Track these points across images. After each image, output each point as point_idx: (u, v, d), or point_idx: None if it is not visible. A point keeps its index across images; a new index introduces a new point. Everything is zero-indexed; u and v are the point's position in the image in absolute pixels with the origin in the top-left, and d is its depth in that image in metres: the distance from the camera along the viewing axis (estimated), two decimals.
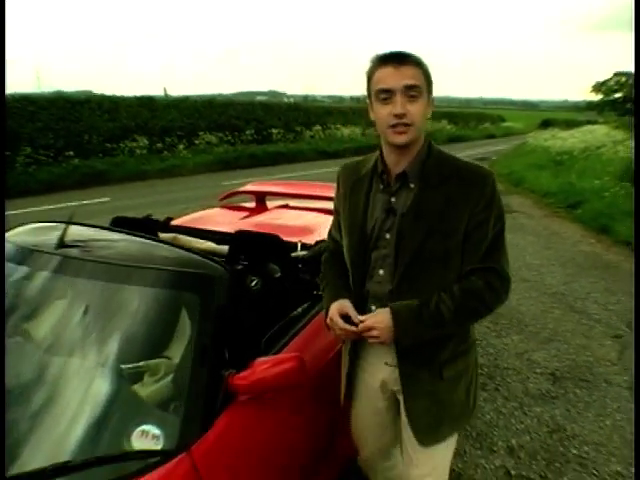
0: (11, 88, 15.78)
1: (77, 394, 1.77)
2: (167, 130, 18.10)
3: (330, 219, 2.20)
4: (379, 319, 1.75)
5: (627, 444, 3.23)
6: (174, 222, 3.51)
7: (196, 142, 18.58)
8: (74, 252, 2.04)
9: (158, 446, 1.60)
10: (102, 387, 1.78)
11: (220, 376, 1.76)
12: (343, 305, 1.85)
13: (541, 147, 21.43)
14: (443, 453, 1.98)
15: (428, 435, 1.90)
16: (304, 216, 3.93)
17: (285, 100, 34.52)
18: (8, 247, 2.18)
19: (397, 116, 1.67)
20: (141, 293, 1.96)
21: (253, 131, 20.92)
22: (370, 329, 1.75)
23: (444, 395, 1.87)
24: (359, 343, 1.95)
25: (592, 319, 5.19)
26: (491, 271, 1.76)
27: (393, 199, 1.80)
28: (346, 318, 1.82)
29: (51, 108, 15.49)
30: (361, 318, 1.78)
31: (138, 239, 2.21)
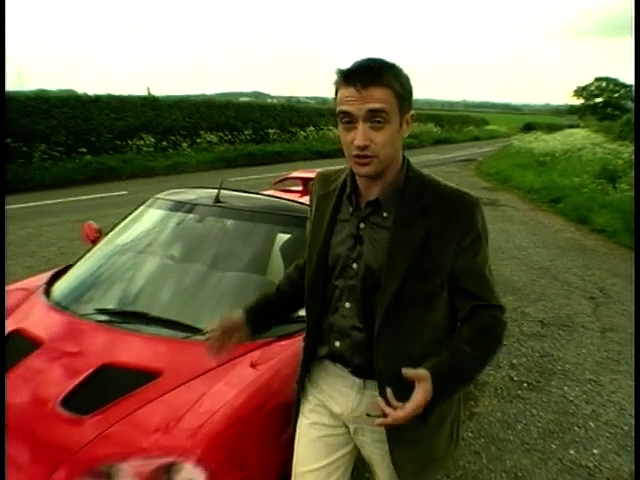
0: None
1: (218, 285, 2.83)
2: (171, 129, 19.00)
3: None
4: (421, 400, 1.44)
5: (597, 364, 4.32)
6: None
7: (198, 141, 19.53)
8: (226, 204, 3.06)
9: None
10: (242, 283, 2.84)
11: None
12: (236, 323, 1.87)
13: (525, 149, 22.64)
14: None
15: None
16: None
17: (269, 101, 35.10)
18: (168, 204, 3.19)
19: (358, 147, 1.45)
20: (268, 229, 3.02)
21: (251, 131, 21.87)
22: (415, 409, 1.43)
23: (428, 440, 1.69)
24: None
25: (572, 286, 6.34)
26: (494, 306, 1.61)
27: (362, 225, 1.59)
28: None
29: (64, 107, 16.26)
30: (394, 405, 1.44)
31: (262, 196, 3.25)
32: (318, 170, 1.88)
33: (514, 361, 4.33)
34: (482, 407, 3.63)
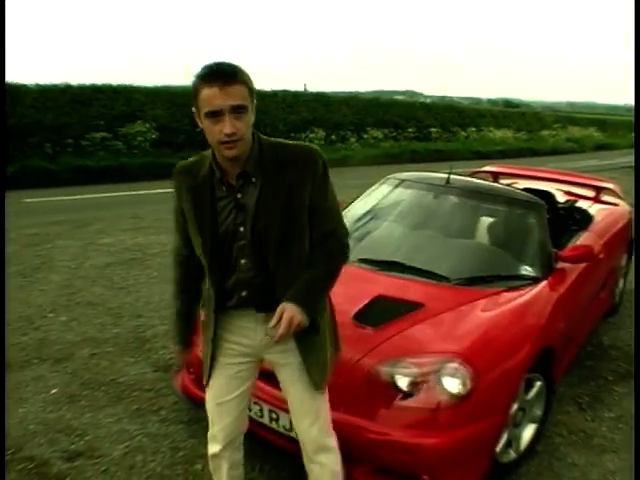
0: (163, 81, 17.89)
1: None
2: (340, 124, 20.07)
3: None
4: (289, 312, 1.87)
5: None
6: None
7: (365, 136, 20.48)
8: (455, 185, 3.78)
9: (532, 274, 3.27)
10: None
11: (552, 252, 3.41)
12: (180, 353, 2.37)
13: None
14: (323, 398, 2.17)
15: (322, 378, 2.11)
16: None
17: (422, 100, 35.21)
18: (415, 185, 3.95)
19: (228, 135, 1.75)
20: (495, 210, 3.70)
21: (414, 129, 22.50)
22: (289, 321, 1.86)
23: (322, 344, 2.10)
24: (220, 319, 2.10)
25: None
26: (340, 234, 2.05)
27: (239, 195, 1.91)
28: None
29: None
30: (272, 324, 1.87)
31: (487, 183, 3.94)
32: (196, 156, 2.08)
33: None
34: None
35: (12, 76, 13.29)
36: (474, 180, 4.05)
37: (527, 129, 28.70)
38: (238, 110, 1.76)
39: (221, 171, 1.91)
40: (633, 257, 5.37)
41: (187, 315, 2.25)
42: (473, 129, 25.53)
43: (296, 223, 1.95)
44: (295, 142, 2.04)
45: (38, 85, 13.85)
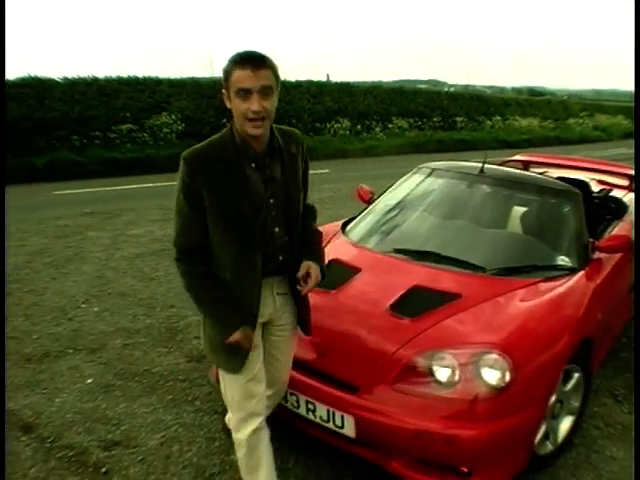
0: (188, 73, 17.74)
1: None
2: (364, 114, 19.94)
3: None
4: (315, 270, 2.27)
5: None
6: None
7: (390, 126, 20.32)
8: (488, 174, 3.73)
9: (569, 264, 3.22)
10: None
11: (589, 242, 3.35)
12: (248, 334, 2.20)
13: None
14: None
15: (310, 324, 2.48)
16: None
17: (446, 89, 34.81)
18: (448, 174, 3.90)
19: (255, 112, 1.97)
20: (530, 200, 3.65)
21: (439, 118, 22.30)
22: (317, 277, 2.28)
23: (306, 298, 2.43)
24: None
25: None
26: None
27: (267, 172, 2.16)
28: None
29: None
30: (301, 274, 2.26)
31: (521, 172, 3.88)
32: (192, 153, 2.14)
33: None
34: None
35: (40, 70, 13.44)
36: (509, 169, 3.99)
37: (553, 117, 28.22)
38: (265, 91, 1.98)
39: (250, 149, 2.12)
40: None
41: (230, 297, 2.23)
42: (498, 118, 25.22)
43: (303, 192, 2.33)
44: (285, 127, 2.30)
45: (65, 78, 13.95)
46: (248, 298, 2.20)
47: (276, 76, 2.04)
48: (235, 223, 2.11)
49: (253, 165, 2.13)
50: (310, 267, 2.25)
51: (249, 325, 2.21)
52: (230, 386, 2.34)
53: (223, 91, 2.06)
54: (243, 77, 1.96)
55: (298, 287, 2.27)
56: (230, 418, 2.44)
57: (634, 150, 4.04)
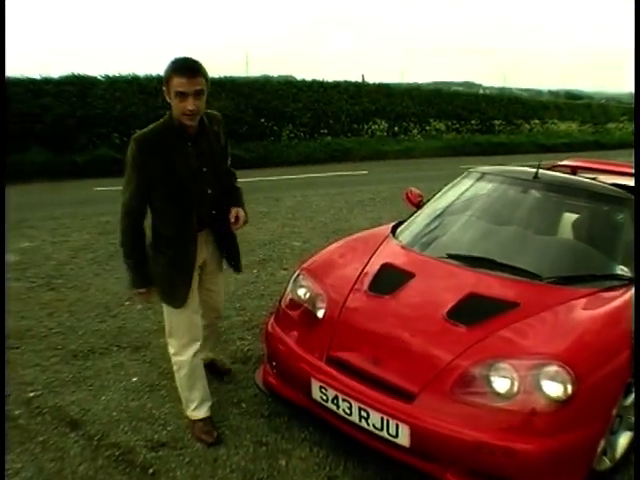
0: (223, 72, 17.94)
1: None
2: (402, 115, 19.79)
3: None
4: (242, 213, 2.97)
5: None
6: None
7: (427, 128, 20.15)
8: (543, 179, 3.63)
9: (629, 274, 3.10)
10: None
11: None
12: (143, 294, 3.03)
13: None
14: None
15: (240, 261, 3.22)
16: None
17: (481, 92, 34.35)
18: (499, 178, 3.81)
19: (190, 110, 2.60)
20: (586, 207, 3.54)
21: (478, 121, 22.04)
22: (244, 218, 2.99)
23: (234, 237, 3.16)
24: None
25: None
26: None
27: (199, 147, 2.81)
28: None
29: (309, 91, 17.59)
30: (232, 219, 2.95)
31: (576, 177, 3.77)
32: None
33: None
34: None
35: (82, 69, 13.60)
36: (563, 175, 3.88)
37: (593, 121, 27.69)
38: (198, 93, 2.61)
39: (185, 132, 2.74)
40: None
41: (145, 257, 2.87)
42: (537, 121, 24.82)
43: (225, 162, 3.05)
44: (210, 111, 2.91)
45: (107, 77, 14.11)
46: (187, 248, 2.85)
47: (206, 79, 2.65)
48: (177, 188, 2.75)
49: (189, 144, 2.77)
50: (238, 211, 2.95)
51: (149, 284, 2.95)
52: (175, 318, 2.95)
53: (164, 88, 2.66)
54: (180, 83, 2.55)
55: (232, 227, 2.97)
56: (172, 345, 3.02)
57: (634, 150, 3.92)
